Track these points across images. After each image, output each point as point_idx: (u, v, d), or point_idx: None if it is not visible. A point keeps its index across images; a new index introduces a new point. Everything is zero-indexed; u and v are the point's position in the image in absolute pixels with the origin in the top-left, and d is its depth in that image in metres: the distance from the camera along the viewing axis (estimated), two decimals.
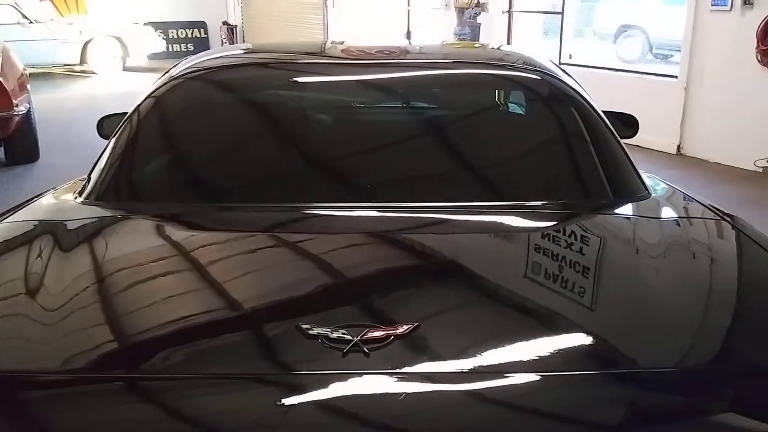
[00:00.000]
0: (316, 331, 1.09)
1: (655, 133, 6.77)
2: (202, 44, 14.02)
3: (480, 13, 8.72)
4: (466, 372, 1.07)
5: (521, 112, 2.23)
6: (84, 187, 1.81)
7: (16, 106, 5.72)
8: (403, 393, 1.02)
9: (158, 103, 2.00)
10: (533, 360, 1.13)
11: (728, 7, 6.13)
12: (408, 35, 9.94)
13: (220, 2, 14.49)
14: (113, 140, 1.92)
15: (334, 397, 1.02)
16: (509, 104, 2.28)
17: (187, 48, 14.13)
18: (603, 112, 2.06)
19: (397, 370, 1.05)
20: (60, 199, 1.88)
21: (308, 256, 1.50)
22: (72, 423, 1.02)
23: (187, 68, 2.13)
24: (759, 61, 5.89)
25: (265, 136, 2.04)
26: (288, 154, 1.96)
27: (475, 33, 8.73)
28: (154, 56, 12.74)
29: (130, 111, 2.00)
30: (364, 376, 1.03)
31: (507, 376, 1.06)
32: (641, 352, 1.14)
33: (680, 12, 7.02)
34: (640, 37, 12.15)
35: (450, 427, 0.99)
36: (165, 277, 1.41)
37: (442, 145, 2.06)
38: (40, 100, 7.26)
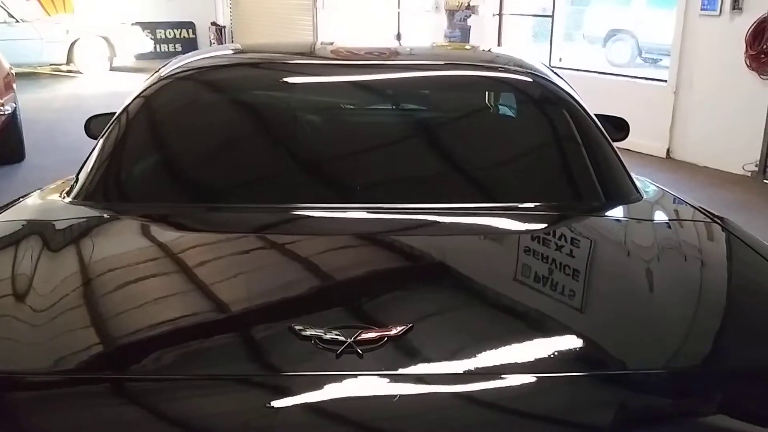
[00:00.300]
0: (309, 332, 1.09)
1: (644, 137, 6.80)
2: (191, 45, 13.95)
3: (470, 15, 8.73)
4: (459, 373, 1.07)
5: (513, 113, 2.24)
6: (72, 187, 1.80)
7: (2, 105, 5.66)
8: (397, 395, 1.03)
9: (147, 103, 1.99)
10: (526, 362, 1.13)
11: (717, 12, 6.16)
12: (398, 37, 9.94)
13: (209, 3, 14.43)
14: (102, 140, 1.91)
15: (328, 398, 1.01)
16: (501, 106, 2.28)
17: (174, 48, 14.05)
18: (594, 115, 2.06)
19: (391, 372, 1.06)
20: (47, 200, 1.86)
21: (300, 257, 1.49)
22: (61, 424, 1.01)
23: (177, 68, 2.12)
24: (748, 65, 5.93)
25: (254, 137, 2.03)
26: (277, 154, 1.95)
27: (465, 36, 8.74)
28: (141, 56, 12.66)
29: (118, 111, 1.99)
30: (358, 378, 1.03)
31: (500, 378, 1.07)
32: (633, 353, 1.15)
33: (669, 16, 7.06)
34: (630, 41, 12.22)
35: (443, 428, 0.99)
36: (156, 277, 1.40)
37: (434, 146, 2.05)
38: (26, 100, 7.19)
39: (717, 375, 1.12)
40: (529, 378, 1.08)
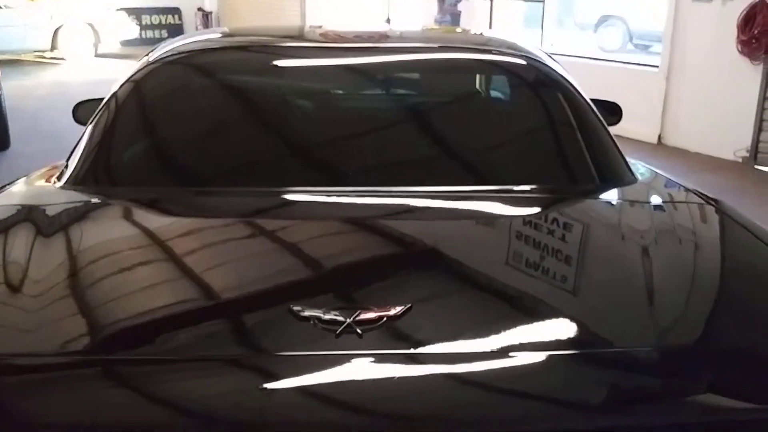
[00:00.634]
0: (308, 313, 1.10)
1: (636, 123, 6.78)
2: (177, 31, 13.80)
3: (461, 0, 8.67)
4: (457, 353, 1.08)
5: (507, 96, 2.24)
6: (62, 173, 1.79)
7: None
8: (396, 375, 1.04)
9: (136, 87, 1.98)
10: (523, 341, 1.15)
11: None
12: (388, 22, 9.87)
13: None
14: (92, 125, 1.90)
15: (328, 377, 1.02)
16: (495, 89, 2.28)
17: (160, 34, 13.90)
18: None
19: (390, 351, 1.07)
20: (37, 185, 1.85)
21: (295, 240, 1.49)
22: (56, 405, 1.01)
23: (165, 53, 2.10)
24: (739, 51, 5.92)
25: (244, 120, 2.01)
26: (267, 137, 1.95)
27: (455, 21, 8.68)
28: (127, 43, 12.52)
29: (108, 96, 1.97)
30: (358, 357, 1.04)
31: (498, 357, 1.09)
32: (629, 333, 1.16)
33: (661, 2, 7.03)
34: (621, 27, 12.20)
35: (442, 407, 1.01)
36: (153, 260, 1.40)
37: (428, 129, 2.05)
38: (9, 88, 7.08)
39: (710, 354, 1.13)
40: (526, 357, 1.09)
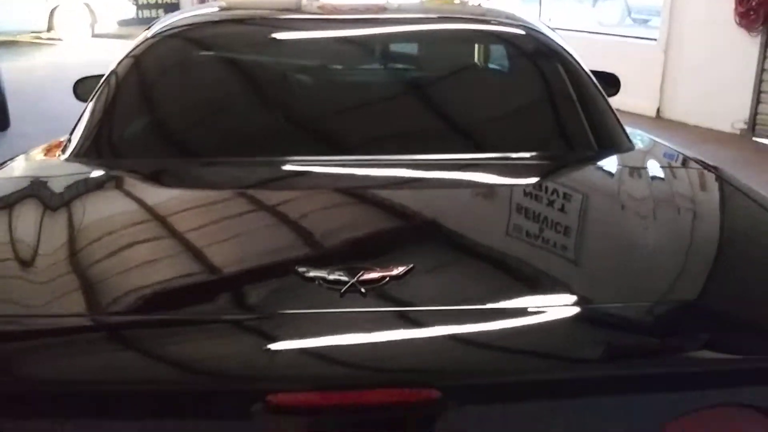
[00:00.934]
0: (313, 273, 1.12)
1: (634, 97, 6.77)
2: (174, 10, 13.70)
3: None
4: (459, 309, 1.11)
5: (506, 66, 2.26)
6: (66, 147, 1.81)
7: None
8: (399, 330, 1.07)
9: (137, 62, 2.00)
10: (522, 298, 1.18)
11: None
12: None
13: None
14: (94, 100, 1.92)
15: (332, 335, 1.04)
16: (494, 58, 2.29)
17: (157, 14, 13.78)
18: None
19: (393, 308, 1.10)
20: (40, 159, 1.87)
21: (299, 207, 1.52)
22: (65, 365, 1.03)
23: (164, 27, 2.12)
24: (737, 22, 5.90)
25: (243, 92, 2.04)
26: (267, 108, 1.97)
27: None
28: (123, 23, 12.44)
29: (108, 71, 1.99)
30: (362, 314, 1.07)
31: (498, 314, 1.11)
32: (626, 291, 1.19)
33: None
34: (619, 1, 12.12)
35: (443, 360, 1.03)
36: (160, 226, 1.42)
37: (428, 97, 2.07)
38: (7, 69, 7.06)
39: (706, 309, 1.16)
40: (526, 314, 1.12)
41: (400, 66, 2.29)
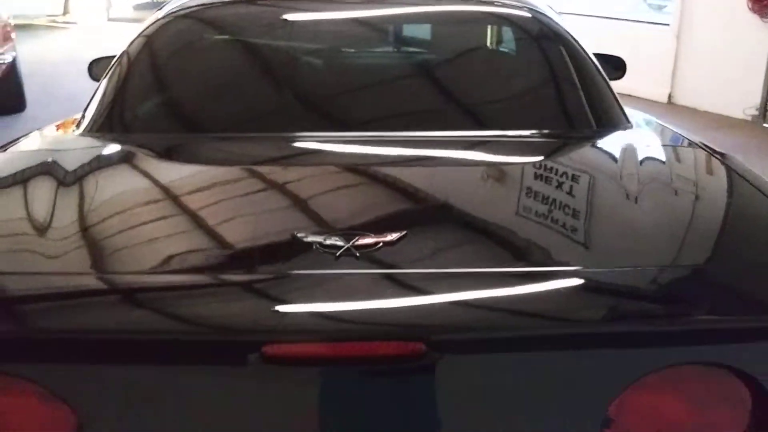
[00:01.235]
0: (310, 238, 1.19)
1: (646, 83, 6.77)
2: None
3: None
4: (446, 272, 1.17)
5: (510, 46, 2.31)
6: (80, 123, 1.88)
7: (2, 54, 5.65)
8: (390, 290, 1.14)
9: (149, 41, 2.06)
10: (512, 259, 1.27)
11: None
12: None
13: None
14: (107, 77, 1.98)
15: (327, 295, 1.11)
16: (498, 39, 2.33)
17: None
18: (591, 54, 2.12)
19: (385, 270, 1.17)
20: (54, 135, 1.95)
21: (301, 177, 1.59)
22: (79, 320, 1.10)
23: (175, 7, 2.18)
24: (750, 8, 5.87)
25: (252, 69, 2.10)
26: (275, 84, 2.03)
27: None
28: (139, 6, 12.51)
29: (121, 50, 2.06)
30: (355, 276, 1.14)
31: (491, 276, 1.17)
32: (621, 255, 1.24)
33: None
34: None
35: (430, 318, 1.09)
36: (171, 194, 1.50)
37: (432, 76, 2.13)
38: (23, 52, 7.15)
39: (683, 275, 1.20)
40: (515, 277, 1.17)
41: (407, 46, 2.35)
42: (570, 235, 1.32)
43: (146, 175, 1.61)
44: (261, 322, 1.08)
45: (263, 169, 1.63)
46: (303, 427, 1.06)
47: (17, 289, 1.14)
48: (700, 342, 1.09)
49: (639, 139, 1.80)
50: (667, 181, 1.56)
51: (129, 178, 1.60)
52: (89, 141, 1.78)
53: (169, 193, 1.50)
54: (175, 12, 2.13)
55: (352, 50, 2.27)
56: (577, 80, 1.94)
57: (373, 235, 1.19)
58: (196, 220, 1.37)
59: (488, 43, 2.35)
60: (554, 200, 1.44)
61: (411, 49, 2.32)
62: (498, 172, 1.67)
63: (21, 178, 1.57)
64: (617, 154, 1.68)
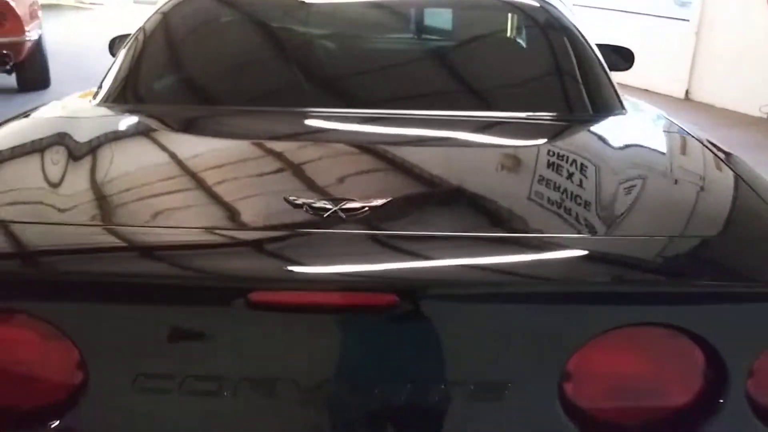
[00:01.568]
0: (301, 201, 1.29)
1: (664, 78, 6.77)
2: None
3: None
4: (427, 234, 1.25)
5: (516, 34, 2.36)
6: (97, 93, 1.99)
7: (28, 32, 5.78)
8: (373, 249, 1.23)
9: (165, 17, 2.16)
10: (486, 225, 1.35)
11: None
12: None
13: None
14: (124, 51, 2.08)
15: (311, 251, 1.21)
16: (505, 27, 2.39)
17: None
18: (602, 45, 2.21)
19: (369, 231, 1.25)
20: (72, 104, 2.06)
21: (305, 150, 1.69)
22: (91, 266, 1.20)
23: None
24: None
25: (265, 44, 2.18)
26: (286, 60, 2.11)
27: None
28: None
29: (139, 25, 2.16)
30: (341, 235, 1.23)
31: (463, 239, 1.25)
32: (616, 224, 1.29)
33: None
34: None
35: (403, 274, 1.17)
36: (178, 158, 1.61)
37: (439, 59, 2.23)
38: (49, 32, 7.30)
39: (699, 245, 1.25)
40: (486, 240, 1.24)
41: (417, 30, 2.44)
42: (542, 204, 1.40)
43: (153, 141, 1.73)
44: (248, 271, 1.17)
45: (265, 139, 1.72)
46: (283, 368, 1.14)
47: (35, 237, 1.24)
48: (657, 303, 1.14)
49: (629, 124, 1.87)
50: (648, 160, 1.63)
51: (137, 143, 1.72)
52: (104, 110, 1.88)
53: (173, 157, 1.60)
54: None
55: (364, 31, 2.35)
56: (577, 68, 2.02)
57: (359, 200, 1.28)
58: (196, 180, 1.47)
59: (495, 30, 2.42)
60: (534, 173, 1.52)
61: (421, 34, 2.41)
62: (490, 148, 1.76)
63: (39, 141, 1.67)
64: (606, 137, 1.76)
